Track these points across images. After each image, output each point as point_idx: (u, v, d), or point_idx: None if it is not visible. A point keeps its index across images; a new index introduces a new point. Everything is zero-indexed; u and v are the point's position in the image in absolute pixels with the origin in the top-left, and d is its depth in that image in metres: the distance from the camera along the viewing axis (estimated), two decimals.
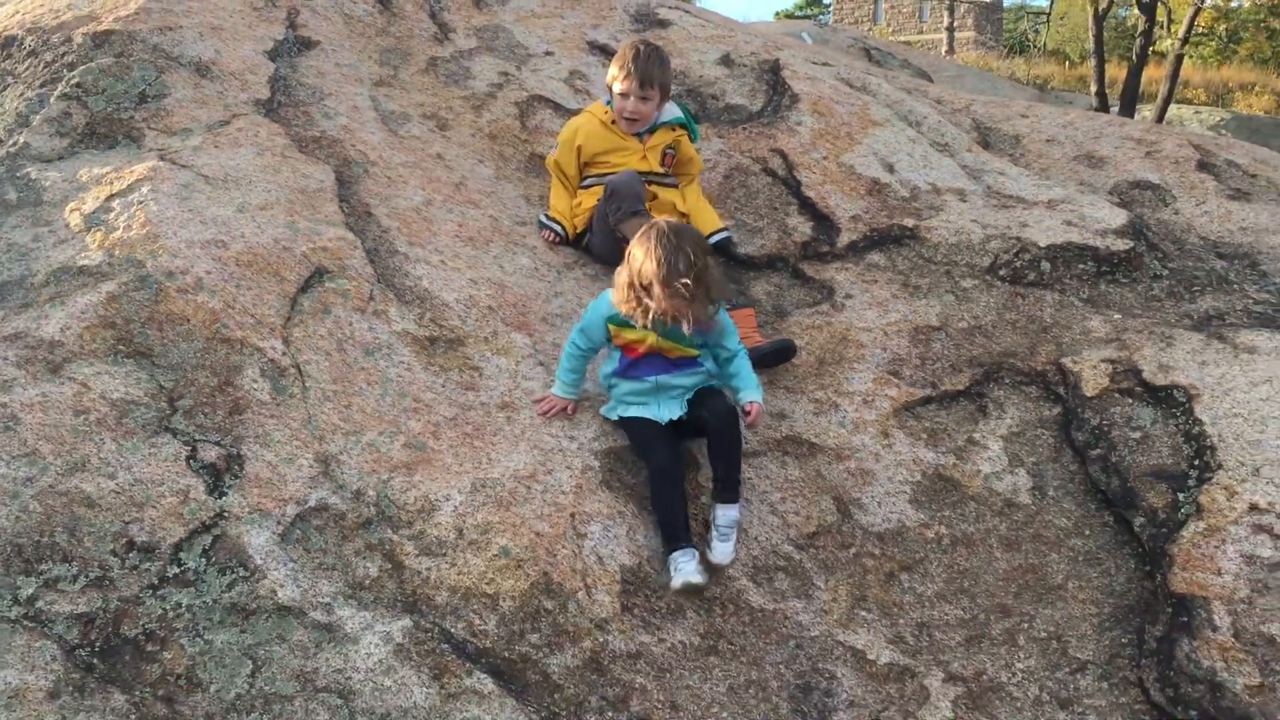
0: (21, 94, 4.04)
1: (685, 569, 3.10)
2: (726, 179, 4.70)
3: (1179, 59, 19.88)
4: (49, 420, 2.98)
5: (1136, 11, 20.05)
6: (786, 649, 3.16)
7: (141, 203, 3.52)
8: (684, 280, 3.16)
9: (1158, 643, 3.10)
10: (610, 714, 2.89)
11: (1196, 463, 3.39)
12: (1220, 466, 3.32)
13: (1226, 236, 4.48)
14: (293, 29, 4.69)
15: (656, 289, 3.18)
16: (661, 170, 4.20)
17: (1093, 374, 3.73)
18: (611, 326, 3.36)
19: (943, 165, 4.81)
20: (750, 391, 3.40)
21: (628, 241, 3.47)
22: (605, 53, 5.30)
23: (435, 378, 3.45)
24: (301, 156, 3.99)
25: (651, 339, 3.31)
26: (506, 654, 2.90)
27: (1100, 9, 19.81)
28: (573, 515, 3.16)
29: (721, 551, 3.22)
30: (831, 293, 4.19)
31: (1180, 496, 3.32)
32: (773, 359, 3.78)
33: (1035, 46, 38.27)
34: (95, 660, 2.67)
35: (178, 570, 2.82)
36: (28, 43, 4.27)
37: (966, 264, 4.25)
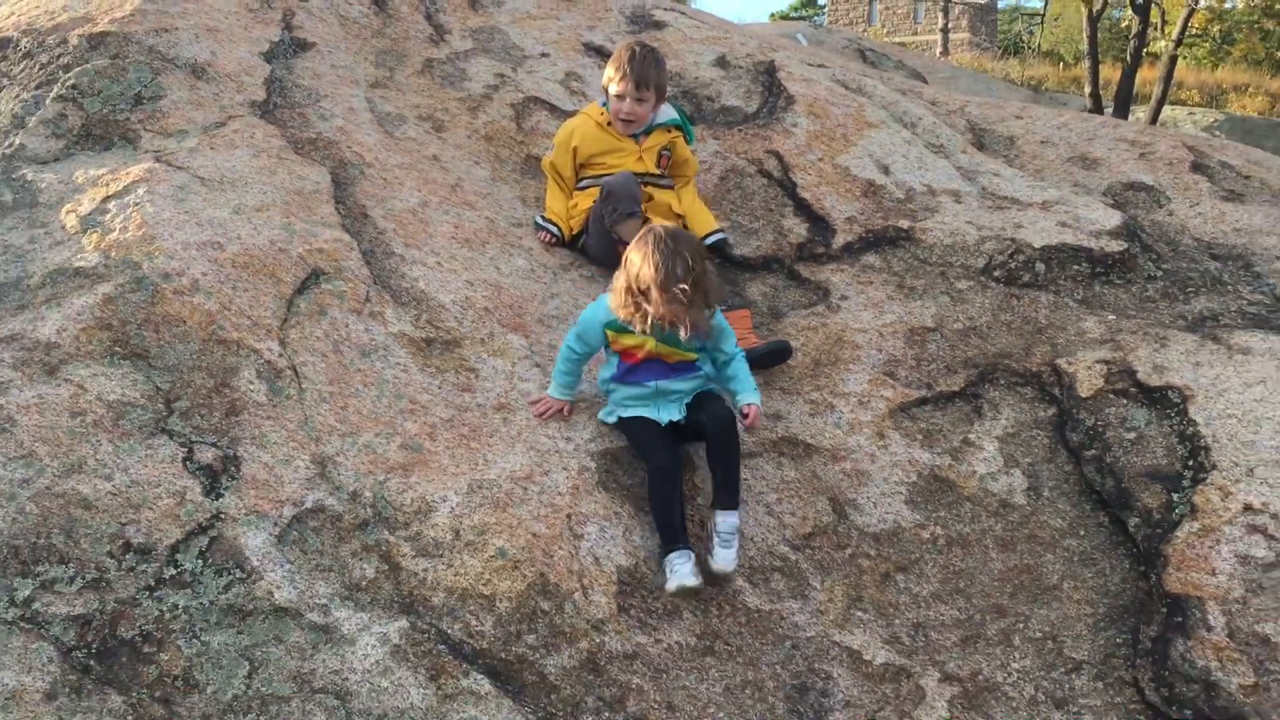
0: (17, 96, 4.04)
1: (681, 570, 3.10)
2: (722, 180, 4.70)
3: (1173, 60, 19.92)
4: (45, 422, 2.98)
5: (1131, 13, 20.07)
6: (783, 649, 3.16)
7: (137, 204, 3.52)
8: (682, 285, 3.15)
9: (1152, 643, 3.11)
10: (607, 714, 2.89)
11: (1191, 463, 3.40)
12: (1214, 467, 3.33)
13: (1220, 238, 4.50)
14: (288, 31, 4.69)
15: (654, 294, 3.17)
16: (657, 172, 4.20)
17: (1087, 375, 3.74)
18: (609, 332, 3.35)
19: (938, 167, 4.82)
20: (748, 394, 3.40)
21: (624, 243, 3.47)
22: (601, 54, 5.30)
23: (432, 379, 3.45)
24: (297, 158, 3.99)
25: (650, 344, 3.30)
26: (503, 655, 2.90)
27: (1095, 10, 19.81)
28: (569, 516, 3.16)
29: (724, 559, 3.19)
30: (827, 294, 4.19)
31: (1175, 497, 3.33)
32: (768, 360, 3.78)
33: (1030, 48, 38.29)
34: (92, 662, 2.66)
35: (174, 572, 2.82)
36: (23, 44, 4.27)
37: (961, 265, 4.26)
